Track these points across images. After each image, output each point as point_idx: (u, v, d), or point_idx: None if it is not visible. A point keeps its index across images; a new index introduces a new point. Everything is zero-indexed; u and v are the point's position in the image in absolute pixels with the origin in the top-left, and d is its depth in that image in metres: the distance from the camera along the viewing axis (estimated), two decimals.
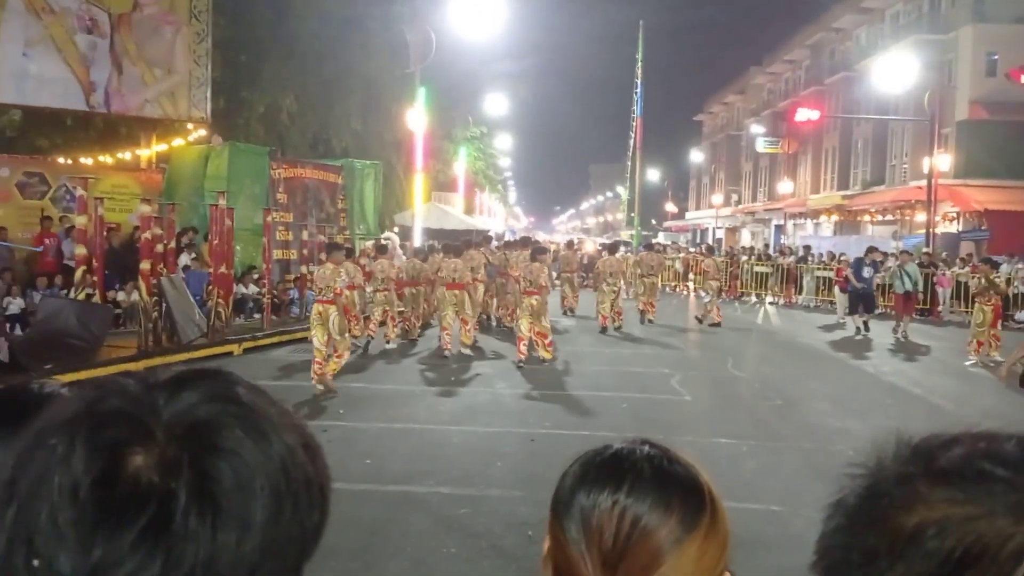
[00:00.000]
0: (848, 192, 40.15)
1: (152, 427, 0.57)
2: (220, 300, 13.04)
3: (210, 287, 13.41)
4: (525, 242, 18.41)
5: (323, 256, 12.13)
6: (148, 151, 17.60)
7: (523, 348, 12.47)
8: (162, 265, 12.07)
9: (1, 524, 0.56)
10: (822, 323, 19.91)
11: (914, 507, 0.55)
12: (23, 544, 0.55)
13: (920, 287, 18.48)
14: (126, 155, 18.15)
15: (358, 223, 20.81)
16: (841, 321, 19.11)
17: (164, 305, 11.72)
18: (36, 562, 0.54)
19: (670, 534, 0.87)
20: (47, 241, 14.10)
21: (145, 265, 11.44)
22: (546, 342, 12.58)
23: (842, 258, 24.79)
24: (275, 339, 13.47)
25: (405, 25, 26.48)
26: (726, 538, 0.91)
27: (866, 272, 17.80)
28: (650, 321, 18.06)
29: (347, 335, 10.64)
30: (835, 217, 40.80)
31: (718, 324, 17.90)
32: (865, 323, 17.30)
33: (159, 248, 12.05)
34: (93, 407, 0.59)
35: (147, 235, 11.68)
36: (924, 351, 15.38)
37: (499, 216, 65.31)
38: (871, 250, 18.52)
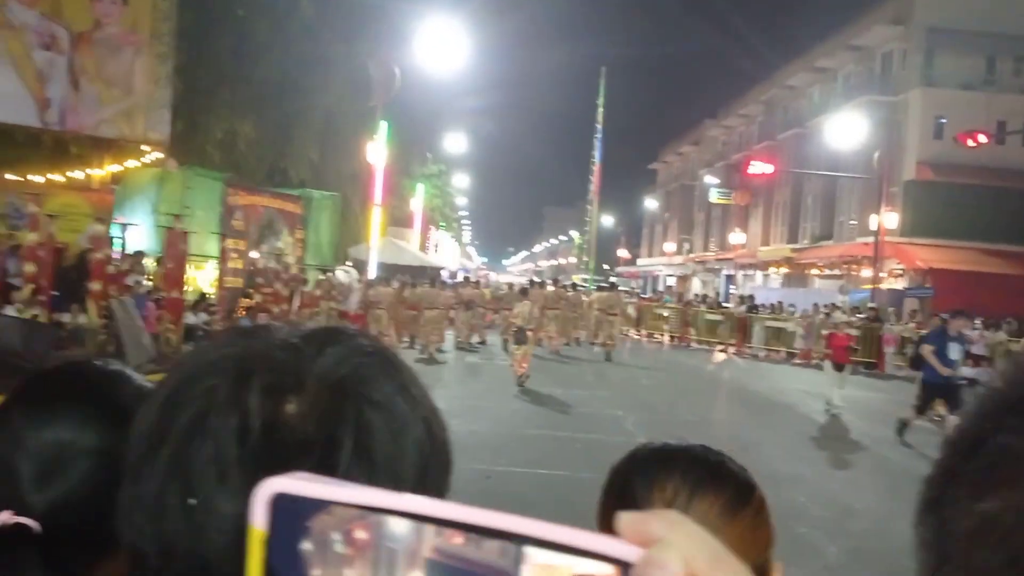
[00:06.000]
0: (797, 245, 41.01)
1: (304, 377, 0.56)
2: (170, 325, 12.76)
3: (160, 312, 13.14)
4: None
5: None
6: (101, 171, 17.25)
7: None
8: (112, 287, 11.78)
9: (154, 464, 0.55)
10: (772, 372, 20.17)
11: None
12: (178, 483, 0.53)
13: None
14: (78, 174, 17.77)
15: (314, 255, 20.66)
16: (834, 408, 13.43)
17: (113, 328, 11.41)
18: (192, 501, 0.53)
19: (722, 509, 0.92)
20: None
21: (95, 286, 11.17)
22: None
23: (790, 309, 25.21)
24: None
25: (369, 59, 26.59)
26: (771, 535, 0.97)
27: (953, 351, 11.30)
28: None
29: None
30: (784, 269, 41.59)
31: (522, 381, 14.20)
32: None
33: (110, 269, 11.77)
34: (253, 353, 0.57)
35: (99, 255, 11.41)
36: (871, 403, 15.64)
37: (453, 255, 65.39)
38: (958, 315, 11.90)
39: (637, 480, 0.95)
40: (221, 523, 0.52)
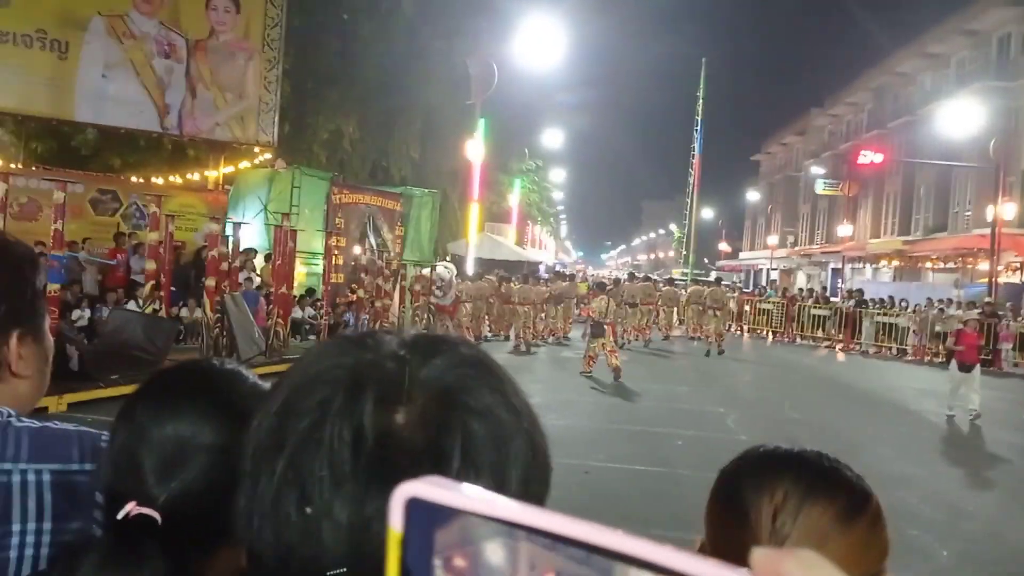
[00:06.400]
0: (909, 238, 39.44)
1: (411, 388, 0.57)
2: (279, 320, 13.26)
3: (269, 307, 13.66)
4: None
5: None
6: (215, 173, 18.04)
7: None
8: (226, 283, 12.31)
9: (271, 471, 0.57)
10: (882, 369, 19.52)
11: None
12: (294, 491, 0.55)
13: None
14: (194, 176, 18.63)
15: (414, 251, 21.07)
16: (951, 412, 12.63)
17: (226, 322, 11.93)
18: (309, 510, 0.55)
19: (835, 517, 0.89)
20: (119, 256, 14.49)
21: (210, 282, 11.69)
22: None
23: (902, 304, 24.38)
24: None
25: (467, 57, 26.90)
26: (886, 545, 0.94)
27: None
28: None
29: None
30: (895, 263, 40.07)
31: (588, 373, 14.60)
32: None
33: (224, 266, 12.30)
34: (364, 364, 0.59)
35: (213, 253, 11.94)
36: (986, 403, 14.95)
37: (550, 249, 65.44)
38: None
39: (746, 484, 0.93)
40: (337, 531, 0.54)
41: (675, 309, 24.11)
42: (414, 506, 0.33)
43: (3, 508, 1.01)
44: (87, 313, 12.38)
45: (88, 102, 15.43)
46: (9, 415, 1.07)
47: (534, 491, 0.59)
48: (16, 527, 1.01)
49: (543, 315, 21.27)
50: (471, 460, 0.56)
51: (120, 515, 0.84)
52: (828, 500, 0.90)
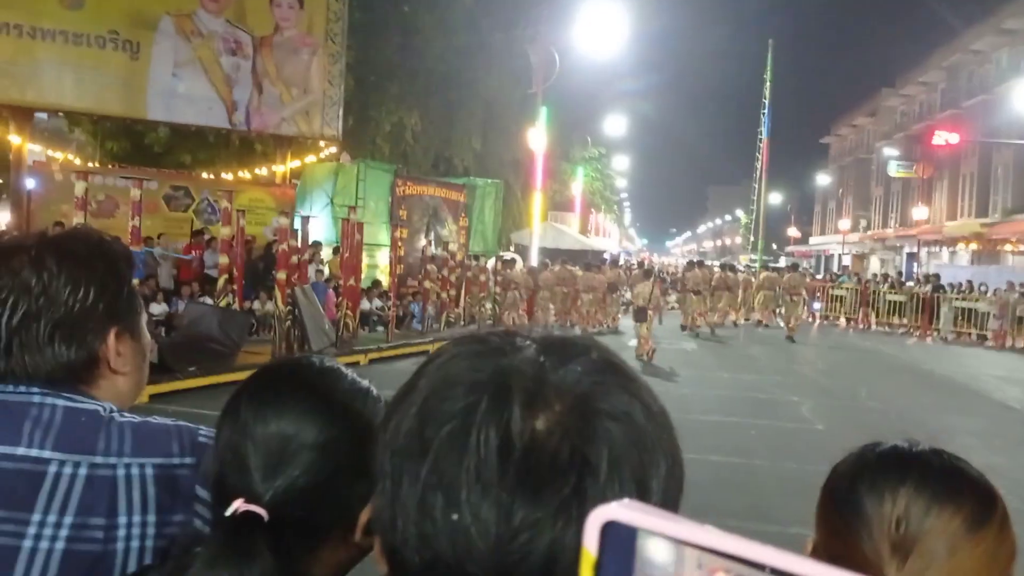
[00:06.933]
0: (987, 220, 38.09)
1: (550, 394, 0.56)
2: (348, 312, 13.39)
3: (338, 299, 13.82)
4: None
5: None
6: (283, 167, 18.32)
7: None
8: (296, 276, 12.47)
9: (415, 474, 0.56)
10: (962, 355, 18.89)
11: None
12: (441, 496, 0.54)
13: None
14: (263, 171, 18.95)
15: (478, 241, 21.12)
16: None
17: (297, 314, 12.09)
18: (455, 516, 0.54)
19: (963, 524, 0.83)
20: (194, 251, 14.81)
21: (281, 275, 11.85)
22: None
23: (981, 288, 23.60)
24: (399, 351, 13.71)
25: (528, 46, 26.77)
26: (1014, 548, 0.87)
27: None
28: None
29: None
30: (973, 246, 38.75)
31: (648, 358, 14.58)
32: None
33: (294, 259, 12.46)
34: (507, 369, 0.57)
35: (283, 247, 12.10)
36: None
37: (614, 237, 65.00)
38: None
39: (864, 488, 0.88)
40: (484, 540, 0.53)
41: (737, 296, 23.85)
42: (610, 529, 0.32)
43: (110, 501, 1.03)
44: (164, 307, 12.70)
45: (159, 101, 15.77)
46: (111, 410, 1.10)
47: (671, 499, 0.57)
48: (123, 519, 1.03)
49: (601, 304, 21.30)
50: (616, 470, 0.54)
51: (228, 512, 0.85)
52: (955, 506, 0.84)
